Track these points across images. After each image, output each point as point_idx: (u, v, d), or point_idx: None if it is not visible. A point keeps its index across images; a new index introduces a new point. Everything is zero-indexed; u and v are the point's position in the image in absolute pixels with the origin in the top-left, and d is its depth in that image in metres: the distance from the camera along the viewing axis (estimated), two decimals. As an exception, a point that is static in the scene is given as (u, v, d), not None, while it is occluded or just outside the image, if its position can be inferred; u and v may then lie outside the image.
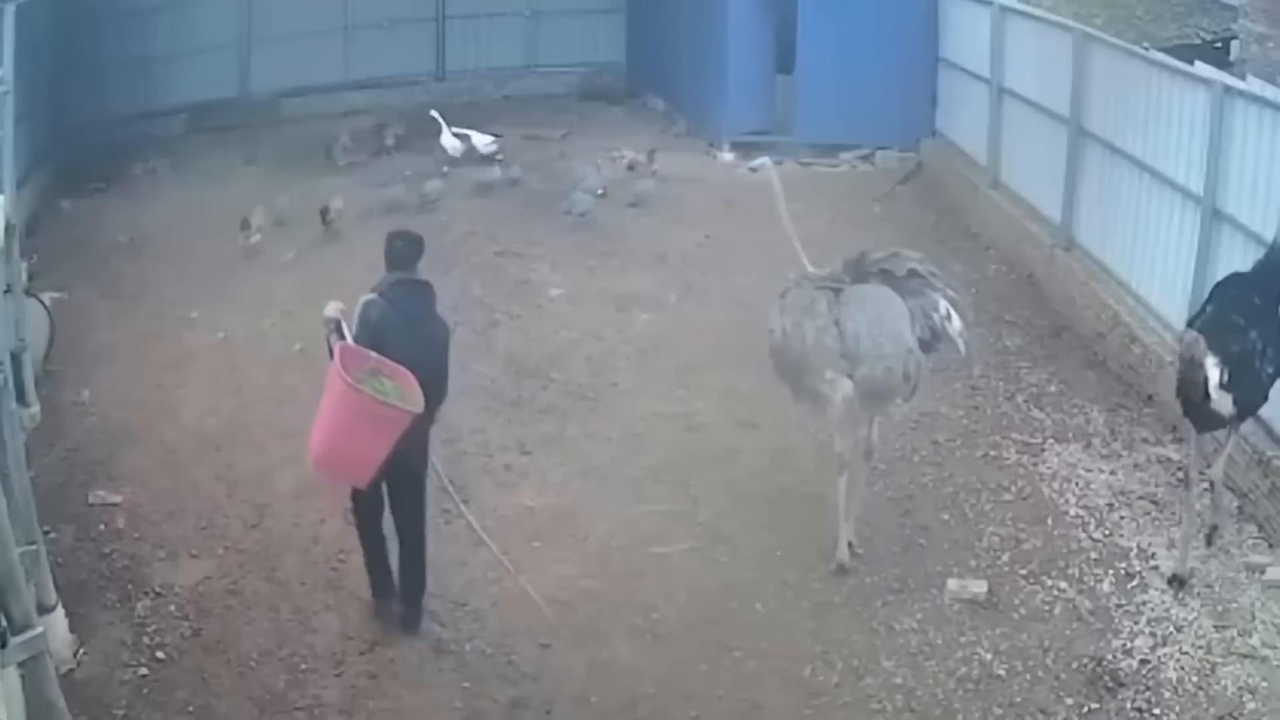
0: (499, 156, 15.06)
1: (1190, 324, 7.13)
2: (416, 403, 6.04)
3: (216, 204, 13.38)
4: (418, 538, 6.71)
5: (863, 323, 6.96)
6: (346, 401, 5.93)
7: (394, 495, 6.55)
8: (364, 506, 6.64)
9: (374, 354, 6.11)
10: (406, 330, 6.24)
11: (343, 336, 6.18)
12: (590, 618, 6.96)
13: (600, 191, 13.81)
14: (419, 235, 6.61)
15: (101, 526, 7.70)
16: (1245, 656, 6.52)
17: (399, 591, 6.79)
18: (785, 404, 8.08)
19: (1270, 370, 6.78)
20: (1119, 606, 6.98)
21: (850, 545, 7.41)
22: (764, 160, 8.02)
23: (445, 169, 14.75)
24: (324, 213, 12.62)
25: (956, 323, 7.07)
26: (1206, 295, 7.39)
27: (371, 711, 6.26)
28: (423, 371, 6.14)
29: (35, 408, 8.72)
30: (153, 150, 15.52)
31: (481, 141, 15.43)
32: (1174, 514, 7.80)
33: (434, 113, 15.49)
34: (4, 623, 4.07)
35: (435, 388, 6.31)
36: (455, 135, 15.24)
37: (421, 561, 6.74)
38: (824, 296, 7.11)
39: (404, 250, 6.46)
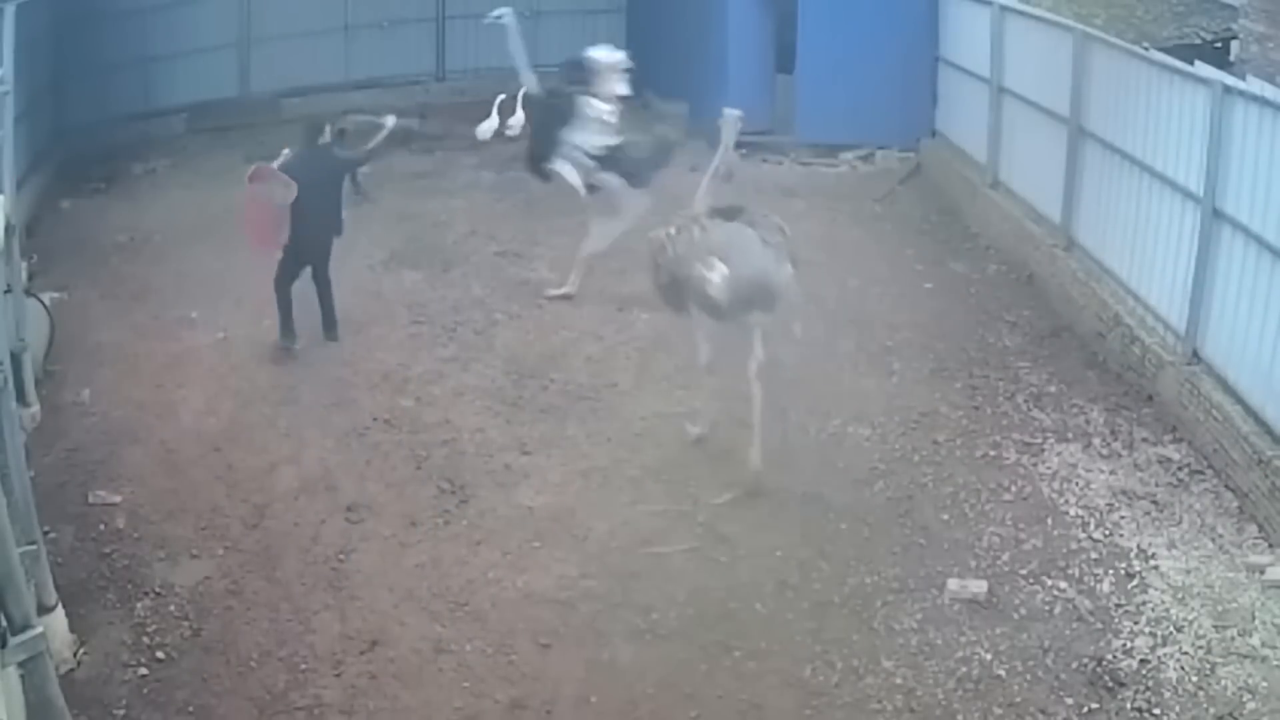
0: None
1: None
2: (288, 198, 9.63)
3: (216, 204, 13.37)
4: (326, 290, 10.30)
5: (728, 243, 8.09)
6: (251, 196, 9.86)
7: (310, 264, 10.19)
8: (281, 276, 10.10)
9: (276, 169, 9.80)
10: (303, 171, 9.81)
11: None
12: (590, 618, 6.96)
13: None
14: (318, 123, 10.46)
15: (101, 526, 7.70)
16: (1245, 656, 6.52)
17: (322, 321, 10.33)
18: (784, 403, 8.12)
19: None
20: (1119, 606, 6.98)
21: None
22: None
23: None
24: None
25: (788, 270, 8.10)
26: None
27: (371, 711, 6.26)
28: (306, 187, 9.67)
29: (35, 408, 8.72)
30: (153, 150, 15.53)
31: (518, 122, 15.72)
32: (1174, 514, 7.81)
33: (501, 96, 15.66)
34: (4, 623, 4.08)
35: (324, 213, 10.03)
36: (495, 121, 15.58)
37: (330, 301, 10.33)
38: (702, 218, 8.37)
39: (308, 132, 10.31)
